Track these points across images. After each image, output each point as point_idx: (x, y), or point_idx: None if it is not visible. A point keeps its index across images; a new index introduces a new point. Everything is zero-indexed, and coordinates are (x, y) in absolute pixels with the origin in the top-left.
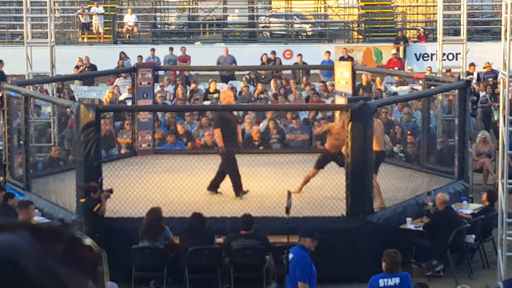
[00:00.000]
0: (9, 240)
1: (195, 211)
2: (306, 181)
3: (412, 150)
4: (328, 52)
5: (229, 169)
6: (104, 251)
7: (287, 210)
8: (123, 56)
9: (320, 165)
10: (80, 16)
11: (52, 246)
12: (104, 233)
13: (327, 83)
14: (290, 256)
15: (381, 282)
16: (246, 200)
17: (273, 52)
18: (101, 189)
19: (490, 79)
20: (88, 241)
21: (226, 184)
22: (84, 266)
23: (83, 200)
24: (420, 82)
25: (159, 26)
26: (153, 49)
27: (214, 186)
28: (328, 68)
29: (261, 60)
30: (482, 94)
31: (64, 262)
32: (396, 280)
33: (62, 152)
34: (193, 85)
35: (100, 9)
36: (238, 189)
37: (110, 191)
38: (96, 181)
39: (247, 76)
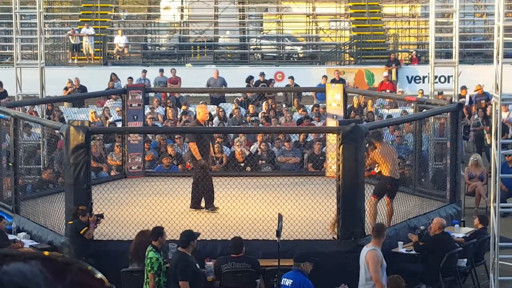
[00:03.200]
0: (22, 269)
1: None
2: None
3: (408, 173)
4: (325, 76)
5: (204, 182)
6: (115, 286)
7: (278, 233)
8: (113, 78)
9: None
10: (70, 37)
11: (62, 277)
12: (94, 256)
13: (320, 105)
14: (289, 281)
15: None
16: (236, 223)
17: (262, 74)
18: (91, 213)
19: (482, 102)
20: (99, 275)
21: (219, 204)
22: None
23: (71, 222)
24: (412, 104)
25: (149, 47)
26: (144, 71)
27: (196, 203)
28: (319, 91)
29: (247, 82)
30: (475, 117)
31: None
32: None
33: (52, 174)
34: (183, 107)
35: (91, 31)
36: (210, 203)
37: (101, 216)
38: (86, 203)
39: (238, 99)
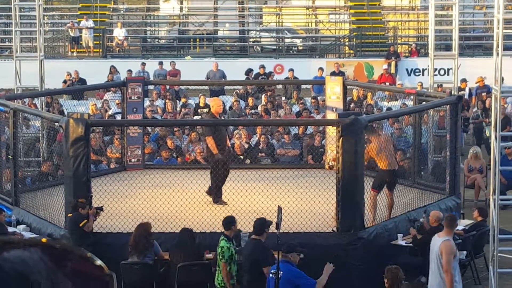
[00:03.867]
0: (22, 256)
1: (184, 227)
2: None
3: (407, 165)
4: (321, 68)
5: (217, 175)
6: (114, 274)
7: (278, 225)
8: (113, 70)
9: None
10: (69, 30)
11: (62, 263)
12: (93, 248)
13: (319, 98)
14: (280, 273)
15: None
16: (236, 215)
17: (262, 67)
18: (91, 206)
19: (483, 94)
20: (99, 262)
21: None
22: (94, 285)
23: (70, 215)
24: (412, 97)
25: (149, 40)
26: (143, 64)
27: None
28: (319, 83)
29: (246, 75)
30: (474, 109)
31: (73, 278)
32: None
33: (51, 167)
34: (183, 100)
35: (90, 23)
36: (218, 198)
37: (101, 208)
38: (85, 196)
39: (238, 91)
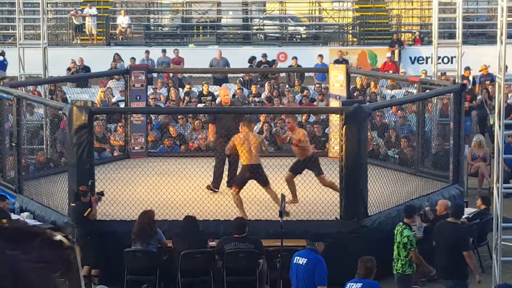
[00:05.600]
0: None
1: (187, 214)
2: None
3: (410, 153)
4: (321, 55)
5: (216, 163)
6: (76, 245)
7: (281, 213)
8: (117, 58)
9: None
10: (73, 17)
11: (25, 249)
12: (96, 235)
13: (322, 86)
14: (302, 260)
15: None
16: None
17: (264, 56)
18: (93, 192)
19: (487, 82)
20: (58, 237)
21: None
22: (56, 262)
23: (73, 204)
24: (415, 85)
25: (152, 28)
26: (147, 51)
27: (229, 183)
28: (322, 71)
29: (249, 62)
30: (478, 97)
31: (36, 265)
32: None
33: (54, 155)
34: (187, 87)
35: (93, 11)
36: (216, 185)
37: (101, 193)
38: (86, 183)
39: (241, 79)
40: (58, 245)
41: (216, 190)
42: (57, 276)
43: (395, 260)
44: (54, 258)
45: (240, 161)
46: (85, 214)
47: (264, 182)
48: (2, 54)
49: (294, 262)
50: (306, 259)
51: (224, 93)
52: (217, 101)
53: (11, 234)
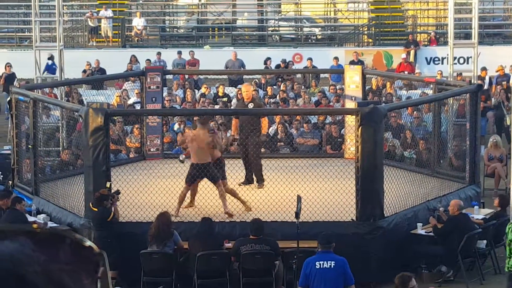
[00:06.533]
0: (11, 249)
1: (204, 216)
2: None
3: (426, 154)
4: (336, 58)
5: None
6: (104, 252)
7: (297, 215)
8: (133, 60)
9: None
10: (88, 19)
11: (56, 252)
12: (114, 237)
13: (337, 87)
14: (330, 263)
15: None
16: (255, 204)
17: (284, 61)
18: (112, 194)
19: (504, 83)
20: (88, 243)
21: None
22: (86, 268)
23: (95, 209)
24: (431, 86)
25: (168, 29)
26: (159, 53)
27: (258, 180)
28: (337, 72)
29: (265, 64)
30: (494, 98)
31: (68, 267)
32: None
33: (71, 157)
34: (203, 89)
35: (109, 13)
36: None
37: (117, 192)
38: (104, 185)
39: (257, 80)
40: (88, 250)
41: (251, 183)
42: (88, 281)
43: (508, 258)
44: (84, 262)
45: (191, 160)
46: (108, 219)
47: (212, 179)
48: (51, 58)
49: (317, 267)
50: (333, 262)
51: (247, 89)
52: (233, 102)
53: (42, 238)
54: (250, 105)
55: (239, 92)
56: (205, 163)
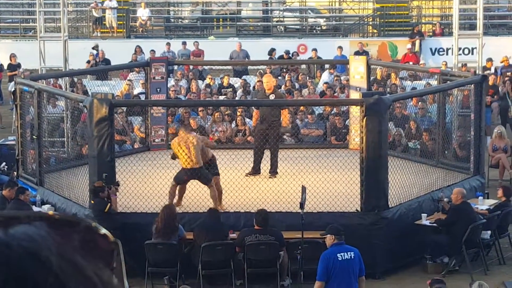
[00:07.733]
0: (28, 231)
1: (210, 207)
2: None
3: (431, 145)
4: (340, 47)
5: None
6: (119, 241)
7: (302, 205)
8: (138, 51)
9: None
10: (93, 10)
11: (70, 236)
12: (118, 228)
13: (342, 78)
14: (349, 254)
15: None
16: (260, 195)
17: (287, 52)
18: (110, 186)
19: (509, 73)
20: (104, 230)
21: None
22: (101, 255)
23: (93, 201)
24: (436, 76)
25: (172, 20)
26: (168, 44)
27: (273, 170)
28: (342, 63)
29: (269, 54)
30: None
31: (82, 251)
32: None
33: (75, 147)
34: (208, 79)
35: (114, 3)
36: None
37: (117, 183)
38: (102, 178)
39: (261, 71)
40: (103, 237)
41: (258, 173)
42: (102, 265)
43: None
44: (98, 249)
45: (180, 163)
46: (105, 211)
47: (205, 181)
48: (96, 48)
49: (339, 259)
50: (352, 252)
51: (268, 80)
52: (237, 93)
53: (57, 222)
54: (271, 96)
55: (258, 83)
56: (196, 168)
